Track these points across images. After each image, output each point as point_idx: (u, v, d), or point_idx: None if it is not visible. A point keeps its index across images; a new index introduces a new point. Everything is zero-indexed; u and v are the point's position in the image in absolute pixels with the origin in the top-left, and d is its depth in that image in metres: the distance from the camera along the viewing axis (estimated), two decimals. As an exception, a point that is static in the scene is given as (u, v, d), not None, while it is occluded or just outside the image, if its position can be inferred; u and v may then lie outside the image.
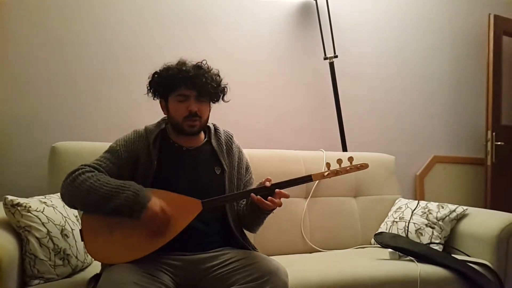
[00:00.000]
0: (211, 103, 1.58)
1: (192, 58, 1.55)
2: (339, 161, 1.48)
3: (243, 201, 1.59)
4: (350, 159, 1.48)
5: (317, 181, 2.25)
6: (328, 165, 1.49)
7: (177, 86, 1.49)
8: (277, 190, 1.40)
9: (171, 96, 1.52)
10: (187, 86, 1.49)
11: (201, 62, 1.54)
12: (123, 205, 1.31)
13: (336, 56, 2.61)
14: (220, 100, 1.60)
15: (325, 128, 2.73)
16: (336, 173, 1.49)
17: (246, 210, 1.52)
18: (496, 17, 3.01)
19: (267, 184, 1.41)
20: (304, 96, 2.72)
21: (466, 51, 3.18)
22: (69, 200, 1.40)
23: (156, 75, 1.54)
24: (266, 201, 1.38)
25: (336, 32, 2.67)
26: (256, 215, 1.49)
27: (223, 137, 1.63)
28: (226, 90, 1.60)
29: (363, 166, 1.51)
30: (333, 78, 2.62)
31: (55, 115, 2.19)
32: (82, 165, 1.42)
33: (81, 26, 2.25)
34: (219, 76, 1.57)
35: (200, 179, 1.51)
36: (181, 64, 1.52)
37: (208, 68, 1.54)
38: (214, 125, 1.67)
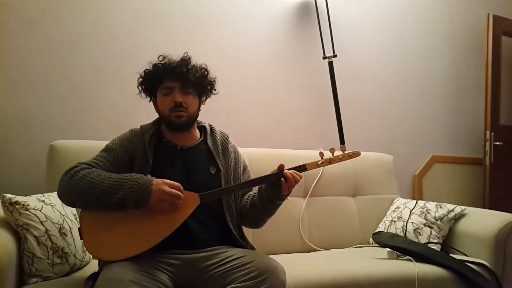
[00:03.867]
0: (200, 97, 1.60)
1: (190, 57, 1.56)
2: (332, 150, 1.52)
3: (247, 197, 1.60)
4: (342, 148, 1.54)
5: (316, 180, 2.26)
6: (321, 154, 1.52)
7: (162, 80, 1.53)
8: (285, 171, 1.43)
9: (158, 91, 1.55)
10: (170, 78, 1.52)
11: (184, 55, 1.56)
12: (128, 196, 1.31)
13: (335, 56, 2.61)
14: (210, 94, 1.63)
15: (323, 128, 2.73)
16: (329, 161, 1.52)
17: (258, 199, 1.52)
18: (495, 17, 3.01)
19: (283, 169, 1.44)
20: (303, 95, 2.72)
21: (465, 51, 3.19)
22: (68, 196, 1.40)
23: (143, 73, 1.58)
24: (294, 173, 1.42)
25: (335, 32, 2.67)
26: (271, 201, 1.49)
27: (219, 137, 1.63)
28: (214, 82, 1.62)
29: (355, 154, 1.55)
30: (332, 78, 2.62)
31: (54, 114, 2.19)
32: (79, 163, 1.43)
33: (80, 25, 2.25)
34: (206, 69, 1.59)
35: (195, 178, 1.51)
36: (164, 58, 1.55)
37: (190, 60, 1.56)
38: (210, 125, 1.67)
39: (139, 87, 1.60)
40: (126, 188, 1.32)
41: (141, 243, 1.33)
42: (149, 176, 1.38)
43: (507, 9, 3.26)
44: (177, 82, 1.51)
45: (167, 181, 1.36)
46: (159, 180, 1.35)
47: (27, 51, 2.16)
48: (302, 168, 1.48)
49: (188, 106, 1.53)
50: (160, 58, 1.56)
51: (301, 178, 1.45)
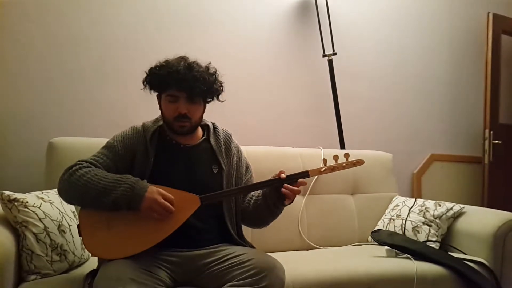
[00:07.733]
0: (206, 101, 1.55)
1: (190, 55, 1.53)
2: (336, 157, 1.50)
3: (250, 197, 1.60)
4: (346, 155, 1.51)
5: (315, 179, 2.26)
6: (325, 161, 1.51)
7: (167, 87, 1.47)
8: (283, 190, 1.41)
9: (163, 95, 1.51)
10: (176, 87, 1.45)
11: (194, 62, 1.48)
12: (121, 198, 1.31)
13: (335, 54, 2.61)
14: (215, 99, 1.57)
15: (323, 126, 2.73)
16: (332, 169, 1.50)
17: (263, 203, 1.51)
18: (495, 16, 3.01)
19: (282, 175, 1.42)
20: (303, 93, 2.71)
21: (464, 49, 3.19)
22: (67, 195, 1.40)
23: (149, 72, 1.51)
24: (292, 188, 1.40)
25: (335, 30, 2.67)
26: (275, 206, 1.49)
27: (222, 136, 1.62)
28: (221, 89, 1.56)
29: (359, 162, 1.53)
30: (332, 76, 2.62)
31: (53, 111, 2.18)
32: (79, 161, 1.42)
33: (80, 23, 2.24)
34: (214, 74, 1.52)
35: (197, 177, 1.51)
36: (172, 64, 1.46)
37: (199, 69, 1.47)
38: (213, 123, 1.66)
39: (144, 83, 1.53)
40: (120, 191, 1.32)
41: (139, 243, 1.33)
42: (145, 182, 1.36)
43: (507, 8, 3.25)
44: (183, 92, 1.46)
45: (162, 191, 1.35)
46: (154, 188, 1.34)
47: (27, 48, 2.15)
48: (304, 174, 1.47)
49: (192, 116, 1.49)
50: (171, 63, 1.46)
51: (304, 184, 1.43)
